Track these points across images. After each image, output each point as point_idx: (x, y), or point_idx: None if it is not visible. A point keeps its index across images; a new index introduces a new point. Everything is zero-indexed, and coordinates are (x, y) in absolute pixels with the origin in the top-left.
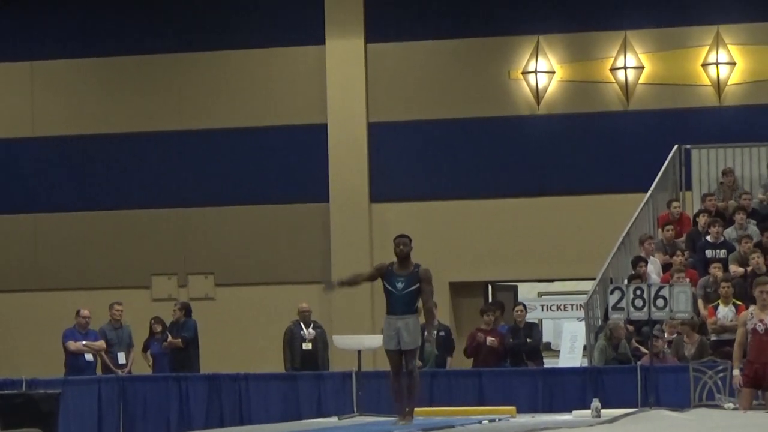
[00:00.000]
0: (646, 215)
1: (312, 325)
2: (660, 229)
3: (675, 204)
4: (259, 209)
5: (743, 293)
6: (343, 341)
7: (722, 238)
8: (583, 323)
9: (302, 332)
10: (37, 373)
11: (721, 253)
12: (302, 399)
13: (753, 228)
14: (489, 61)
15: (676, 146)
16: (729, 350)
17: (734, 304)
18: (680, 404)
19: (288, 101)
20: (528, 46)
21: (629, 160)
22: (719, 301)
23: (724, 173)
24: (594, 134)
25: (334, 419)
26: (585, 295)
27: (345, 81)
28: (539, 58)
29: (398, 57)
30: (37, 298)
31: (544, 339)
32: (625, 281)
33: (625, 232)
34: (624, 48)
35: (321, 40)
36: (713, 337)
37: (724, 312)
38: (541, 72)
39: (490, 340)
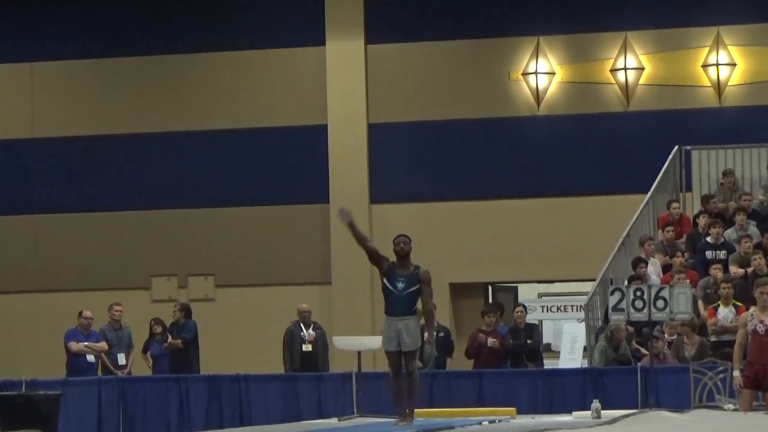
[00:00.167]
0: (647, 216)
1: (312, 326)
2: (660, 230)
3: (675, 205)
4: (259, 210)
5: (744, 294)
6: (343, 342)
7: (722, 239)
8: (583, 324)
9: (302, 333)
10: (37, 374)
11: (722, 254)
12: (302, 400)
13: (753, 229)
14: (489, 62)
15: (676, 147)
16: (729, 351)
17: (734, 305)
18: (680, 405)
19: (288, 102)
20: (528, 47)
21: (629, 161)
22: (719, 302)
23: (724, 174)
24: (594, 135)
25: (334, 420)
26: (585, 296)
27: (345, 82)
28: (539, 59)
29: (398, 58)
30: (37, 298)
31: (545, 340)
32: (626, 282)
33: (626, 233)
34: (624, 49)
35: (321, 42)
36: (713, 338)
37: (725, 313)
38: (542, 73)
39: (491, 341)
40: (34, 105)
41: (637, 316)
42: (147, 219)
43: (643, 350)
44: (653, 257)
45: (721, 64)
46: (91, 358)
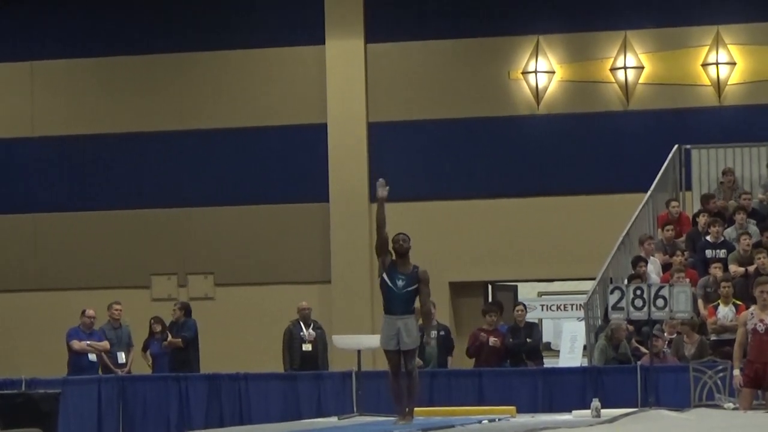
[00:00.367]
0: (646, 215)
1: (312, 326)
2: (660, 229)
3: (674, 204)
4: (259, 209)
5: (744, 293)
6: (342, 341)
7: (722, 238)
8: (582, 323)
9: (302, 333)
10: (36, 373)
11: (721, 253)
12: (302, 399)
13: (753, 228)
14: (489, 61)
15: (676, 146)
16: (729, 350)
17: (734, 304)
18: (680, 404)
19: (288, 101)
20: (528, 46)
21: (629, 160)
22: (719, 301)
23: (724, 173)
24: (594, 134)
25: (333, 419)
26: (585, 295)
27: (345, 81)
28: (539, 58)
29: (398, 57)
30: (37, 298)
31: (544, 339)
32: (625, 281)
33: (625, 232)
34: (624, 48)
35: (321, 41)
36: (713, 337)
37: (724, 312)
38: (541, 72)
39: (492, 340)
40: (34, 104)
41: (636, 315)
42: (147, 218)
43: (643, 349)
44: (653, 256)
45: (721, 63)
46: (92, 357)
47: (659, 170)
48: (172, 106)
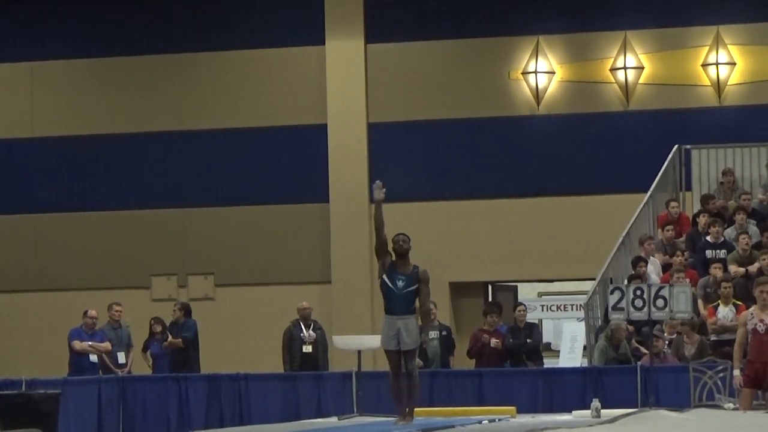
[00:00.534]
0: (646, 215)
1: (312, 326)
2: (660, 230)
3: (673, 204)
4: (259, 210)
5: (745, 293)
6: (343, 341)
7: (722, 239)
8: (583, 323)
9: (302, 334)
10: (36, 373)
11: (721, 253)
12: (302, 399)
13: (753, 228)
14: (489, 62)
15: (676, 146)
16: (729, 350)
17: (734, 304)
18: (680, 404)
19: (288, 102)
20: (528, 47)
21: (629, 160)
22: (719, 301)
23: (723, 173)
24: (594, 134)
25: (333, 419)
26: (585, 296)
27: (345, 81)
28: (539, 59)
29: (398, 57)
30: (37, 298)
31: (544, 339)
32: (625, 281)
33: (625, 232)
34: (624, 48)
35: (321, 41)
36: (713, 338)
37: (724, 312)
38: (541, 72)
39: (494, 341)
40: (34, 105)
41: (636, 315)
42: (147, 218)
43: (643, 349)
44: (653, 256)
45: (721, 64)
46: (93, 357)
47: (659, 170)
48: (172, 106)
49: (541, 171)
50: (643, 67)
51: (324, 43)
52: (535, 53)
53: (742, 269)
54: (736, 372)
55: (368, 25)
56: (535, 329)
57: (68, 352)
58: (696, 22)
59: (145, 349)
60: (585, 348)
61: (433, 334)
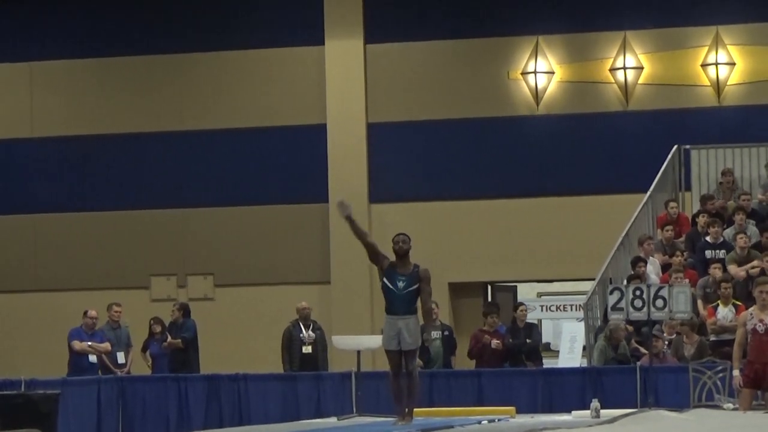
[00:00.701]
0: (646, 215)
1: (311, 326)
2: (659, 230)
3: (672, 204)
4: (258, 210)
5: (745, 294)
6: (342, 342)
7: (722, 239)
8: (582, 324)
9: (301, 335)
10: (36, 373)
11: (721, 253)
12: (301, 399)
13: (752, 228)
14: (488, 62)
15: (675, 146)
16: (728, 350)
17: (734, 304)
18: (680, 405)
19: (287, 102)
20: (527, 47)
21: (629, 160)
22: (719, 301)
23: (723, 174)
24: (593, 135)
25: (333, 420)
26: (584, 296)
27: (344, 81)
28: (538, 59)
29: (397, 57)
30: (37, 298)
31: (544, 339)
32: (625, 281)
33: (625, 232)
34: (623, 48)
35: (320, 41)
36: (713, 338)
37: (724, 312)
38: (541, 72)
39: (495, 343)
40: (33, 105)
41: (636, 316)
42: (146, 218)
43: (643, 349)
44: (652, 256)
45: (720, 64)
46: (93, 358)
47: (659, 170)
48: (172, 106)
49: (541, 171)
50: (642, 67)
51: (323, 43)
52: (535, 53)
53: (743, 273)
54: (736, 372)
55: (368, 25)
56: (534, 329)
57: (68, 353)
58: (695, 23)
59: (144, 350)
60: (584, 348)
61: (435, 333)
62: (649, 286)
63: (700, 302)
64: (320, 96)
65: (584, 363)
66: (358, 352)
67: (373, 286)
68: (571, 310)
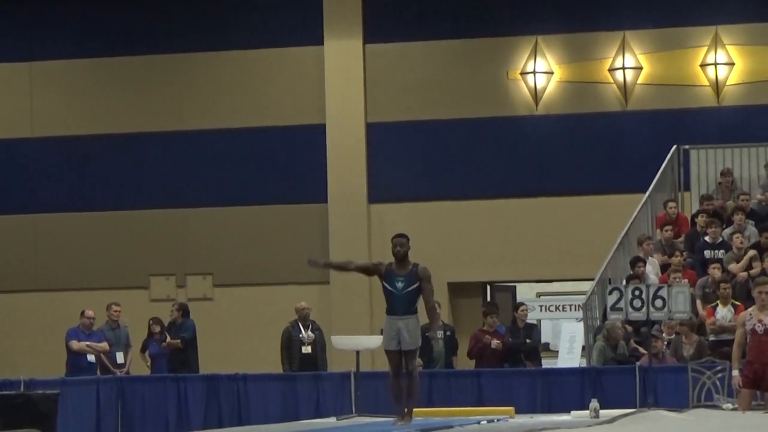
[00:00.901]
0: (645, 216)
1: (311, 327)
2: (658, 230)
3: (671, 204)
4: (257, 210)
5: (745, 294)
6: (341, 342)
7: (721, 239)
8: (581, 324)
9: (301, 335)
10: (35, 373)
11: (720, 253)
12: (301, 399)
13: (752, 228)
14: (487, 62)
15: (674, 147)
16: (728, 351)
17: (733, 304)
18: (679, 405)
19: (287, 102)
20: (526, 47)
21: (628, 160)
22: (718, 301)
23: (722, 174)
24: (592, 135)
25: (332, 420)
26: (583, 296)
27: (343, 81)
28: (538, 59)
29: (397, 57)
30: (37, 298)
31: (543, 339)
32: (624, 282)
33: (624, 232)
34: (622, 48)
35: (320, 41)
36: (712, 338)
37: (723, 312)
38: (540, 72)
39: (495, 343)
40: (33, 104)
41: (635, 316)
42: (146, 219)
43: (642, 349)
44: (651, 257)
45: (720, 64)
46: (91, 358)
47: (658, 170)
48: (172, 106)
49: (540, 171)
50: (641, 68)
51: (323, 43)
52: (534, 53)
53: (744, 273)
54: (735, 372)
55: (367, 25)
56: (534, 329)
57: (66, 353)
58: (695, 23)
59: (143, 350)
60: (583, 348)
61: (439, 333)
62: (648, 286)
63: (699, 302)
64: (319, 96)
65: (583, 363)
66: (358, 352)
67: (373, 286)
68: (571, 310)
